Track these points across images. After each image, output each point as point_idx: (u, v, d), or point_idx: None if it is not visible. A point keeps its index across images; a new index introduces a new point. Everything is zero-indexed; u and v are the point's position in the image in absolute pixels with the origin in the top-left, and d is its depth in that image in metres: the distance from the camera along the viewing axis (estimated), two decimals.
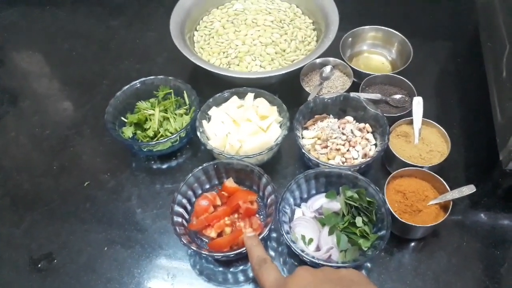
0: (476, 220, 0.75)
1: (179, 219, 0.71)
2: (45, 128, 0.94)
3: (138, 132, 0.85)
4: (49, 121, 0.96)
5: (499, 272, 0.70)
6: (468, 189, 0.70)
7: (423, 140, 0.79)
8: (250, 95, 0.84)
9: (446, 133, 0.78)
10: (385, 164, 0.81)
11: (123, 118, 0.86)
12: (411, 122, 0.81)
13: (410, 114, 0.81)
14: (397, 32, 0.95)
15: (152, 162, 0.86)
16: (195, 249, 0.66)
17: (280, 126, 0.82)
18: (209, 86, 0.92)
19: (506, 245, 0.72)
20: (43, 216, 0.80)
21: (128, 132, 0.84)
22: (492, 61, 0.83)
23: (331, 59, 0.91)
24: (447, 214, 0.68)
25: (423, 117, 0.80)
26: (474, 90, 0.93)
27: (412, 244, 0.73)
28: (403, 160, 0.74)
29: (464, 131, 0.87)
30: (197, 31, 1.03)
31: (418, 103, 0.81)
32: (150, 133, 0.83)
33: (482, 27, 0.92)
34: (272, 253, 0.74)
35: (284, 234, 0.66)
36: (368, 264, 0.71)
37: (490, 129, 0.79)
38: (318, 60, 0.90)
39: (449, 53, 1.03)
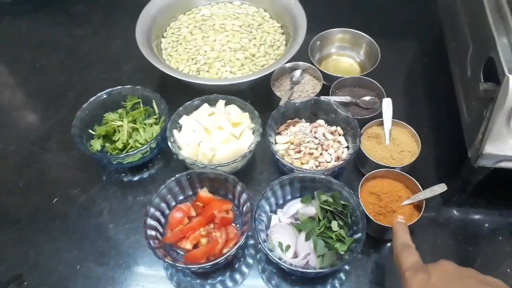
0: (449, 217, 0.77)
1: (153, 233, 0.69)
2: (9, 143, 0.90)
3: (107, 144, 0.82)
4: (13, 136, 0.92)
5: (472, 267, 0.71)
6: (440, 188, 0.72)
7: (394, 141, 0.80)
8: (221, 102, 0.83)
9: (416, 133, 0.80)
10: (358, 166, 0.82)
11: (90, 131, 0.84)
12: (381, 124, 0.82)
13: (380, 115, 0.82)
14: (364, 34, 0.96)
15: (123, 174, 0.84)
16: (170, 262, 0.65)
17: (253, 133, 0.81)
18: (179, 93, 0.90)
19: (478, 241, 0.74)
20: (11, 236, 0.77)
21: (96, 145, 0.81)
22: (457, 60, 0.85)
23: (300, 63, 0.91)
24: (421, 213, 0.69)
25: (393, 118, 0.81)
26: (441, 89, 0.95)
27: (388, 244, 0.74)
28: (375, 161, 0.75)
29: (433, 130, 0.89)
30: (164, 38, 1.01)
31: (387, 105, 0.82)
32: (119, 145, 0.81)
33: (446, 27, 0.94)
34: (250, 260, 0.74)
35: (261, 242, 0.65)
36: (346, 267, 0.71)
37: (458, 127, 0.80)
38: (288, 65, 0.90)
39: (416, 52, 1.05)
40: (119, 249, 0.75)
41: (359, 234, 0.66)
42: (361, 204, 0.69)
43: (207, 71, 0.93)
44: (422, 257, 0.71)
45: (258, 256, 0.74)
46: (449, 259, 0.71)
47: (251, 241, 0.75)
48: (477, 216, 0.77)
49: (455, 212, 0.78)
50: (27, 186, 0.83)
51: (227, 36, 0.99)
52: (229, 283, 0.71)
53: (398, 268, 0.57)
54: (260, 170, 0.84)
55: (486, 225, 0.76)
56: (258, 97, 0.90)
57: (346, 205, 0.69)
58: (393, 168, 0.75)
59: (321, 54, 0.99)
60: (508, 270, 0.70)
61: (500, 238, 0.74)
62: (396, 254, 0.58)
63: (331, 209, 0.68)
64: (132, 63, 1.04)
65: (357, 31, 0.96)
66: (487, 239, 0.74)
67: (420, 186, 0.72)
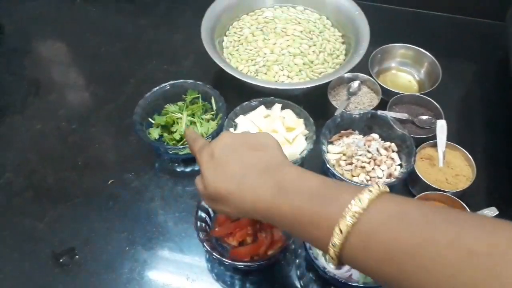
0: None
1: (202, 225, 0.72)
2: (71, 122, 0.95)
3: (165, 134, 0.85)
4: (75, 116, 0.96)
5: None
6: (490, 212, 0.71)
7: (448, 164, 0.79)
8: (278, 106, 0.85)
9: (471, 157, 0.78)
10: (408, 185, 0.81)
11: (150, 119, 0.87)
12: (434, 145, 0.81)
13: (435, 137, 0.81)
14: (427, 53, 0.95)
15: (176, 164, 0.87)
16: (218, 256, 0.67)
17: (306, 139, 0.82)
18: (235, 92, 0.93)
19: None
20: (66, 212, 0.81)
21: (154, 133, 0.84)
22: None
23: (359, 74, 0.92)
24: None
25: (447, 141, 0.80)
26: (500, 117, 0.92)
27: None
28: (429, 183, 0.75)
29: (488, 156, 0.87)
30: (226, 36, 1.03)
31: (441, 126, 0.81)
32: (177, 136, 0.84)
33: None
34: (288, 264, 0.75)
35: (307, 249, 0.66)
36: None
37: None
38: (346, 75, 0.91)
39: (477, 77, 1.03)
40: (167, 236, 0.77)
41: None
42: None
43: (265, 73, 0.95)
44: None
45: (297, 261, 0.75)
46: None
47: (292, 246, 0.76)
48: None
49: None
50: (84, 165, 0.87)
51: (288, 40, 1.00)
52: (267, 284, 0.73)
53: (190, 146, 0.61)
54: None
55: None
56: (312, 104, 0.91)
57: None
58: (446, 191, 0.74)
59: (380, 67, 0.99)
60: None
61: None
62: (191, 149, 0.60)
63: None
64: (191, 58, 1.07)
65: (420, 49, 0.96)
66: None
67: (469, 210, 0.71)
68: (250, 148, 0.52)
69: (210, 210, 0.75)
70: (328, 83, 0.90)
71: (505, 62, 0.96)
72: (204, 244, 0.67)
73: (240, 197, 0.50)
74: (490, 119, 0.93)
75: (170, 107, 0.87)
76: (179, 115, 0.85)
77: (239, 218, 0.75)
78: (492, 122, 0.93)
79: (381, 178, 0.77)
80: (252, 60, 0.97)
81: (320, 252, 0.70)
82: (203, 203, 0.72)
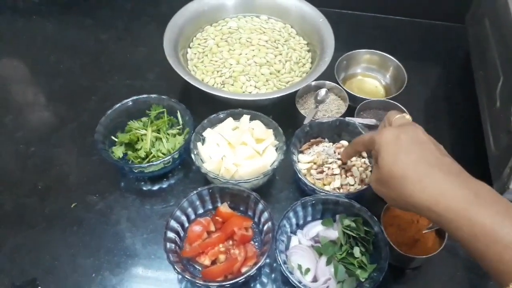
0: None
1: (172, 246, 0.69)
2: (29, 145, 0.90)
3: (129, 152, 0.82)
4: (35, 137, 0.92)
5: None
6: None
7: None
8: (246, 117, 0.83)
9: None
10: None
11: (113, 137, 0.83)
12: None
13: None
14: (392, 57, 0.95)
15: (142, 183, 0.84)
16: (189, 278, 0.64)
17: (276, 150, 0.80)
18: (201, 104, 0.90)
19: None
20: (26, 239, 0.76)
21: (118, 152, 0.81)
22: (485, 90, 0.85)
23: (326, 82, 0.91)
24: (445, 241, 0.68)
25: None
26: (465, 117, 0.94)
27: (407, 272, 0.73)
28: None
29: (456, 156, 0.87)
30: (190, 48, 1.01)
31: None
32: (142, 153, 0.80)
33: (474, 55, 0.94)
34: (264, 279, 0.73)
35: (282, 264, 0.64)
36: None
37: (482, 158, 0.80)
38: (313, 83, 0.90)
39: (440, 78, 1.04)
40: (135, 259, 0.74)
41: (381, 262, 0.65)
42: (384, 231, 0.68)
43: (232, 85, 0.93)
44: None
45: (273, 275, 0.73)
46: None
47: (267, 260, 0.74)
48: None
49: None
50: (45, 189, 0.83)
51: (253, 50, 0.99)
52: None
53: (357, 146, 0.67)
54: (280, 188, 0.83)
55: None
56: (281, 114, 0.89)
57: (368, 232, 0.68)
58: None
59: (346, 74, 0.99)
60: None
61: None
62: (357, 141, 0.67)
63: (354, 235, 0.67)
64: (155, 71, 1.04)
65: (385, 54, 0.96)
66: None
67: None
68: (437, 148, 0.54)
69: (179, 229, 0.72)
70: (295, 92, 0.89)
71: (467, 62, 0.98)
72: (175, 266, 0.64)
73: (420, 187, 0.50)
74: (456, 119, 0.94)
75: (134, 124, 0.84)
76: (143, 131, 0.82)
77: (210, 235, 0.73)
78: (458, 122, 0.94)
79: (352, 185, 0.77)
80: (218, 72, 0.95)
81: (295, 266, 0.68)
82: (171, 222, 0.70)
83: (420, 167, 0.51)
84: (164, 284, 0.72)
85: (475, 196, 0.47)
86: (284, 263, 0.66)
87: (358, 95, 0.88)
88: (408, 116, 0.62)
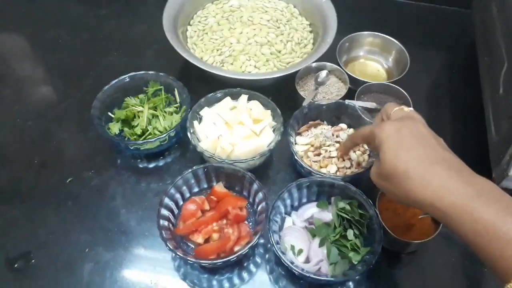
0: None
1: (166, 223, 0.69)
2: (26, 119, 0.90)
3: (126, 129, 0.81)
4: (31, 112, 0.91)
5: None
6: None
7: None
8: (244, 97, 0.82)
9: None
10: None
11: (110, 114, 0.83)
12: None
13: None
14: (395, 41, 0.93)
15: (139, 160, 0.83)
16: (181, 255, 0.64)
17: (273, 131, 0.80)
18: (200, 83, 0.89)
19: None
20: (21, 213, 0.76)
21: (114, 128, 0.80)
22: (489, 76, 0.83)
23: (327, 64, 0.89)
24: (440, 227, 0.67)
25: None
26: (468, 103, 0.92)
27: (402, 256, 0.72)
28: None
29: (456, 144, 0.86)
30: (190, 25, 1.00)
31: None
32: (138, 130, 0.80)
33: (479, 41, 0.92)
34: (258, 259, 0.73)
35: (274, 244, 0.64)
36: (357, 278, 0.70)
37: (483, 144, 0.78)
38: (314, 64, 0.88)
39: (444, 64, 1.02)
40: (129, 236, 0.74)
41: (374, 246, 0.64)
42: (379, 215, 0.67)
43: (231, 64, 0.92)
44: (433, 276, 0.71)
45: (267, 256, 0.73)
46: (462, 281, 0.70)
47: (262, 240, 0.74)
48: None
49: None
50: (41, 164, 0.83)
51: (254, 29, 0.97)
52: (236, 280, 0.70)
53: (356, 139, 0.67)
54: (277, 169, 0.83)
55: None
56: (281, 94, 0.88)
57: (363, 215, 0.68)
58: None
59: (348, 56, 0.97)
60: None
61: None
62: (356, 135, 0.67)
63: (348, 217, 0.67)
64: (154, 49, 1.03)
65: (388, 37, 0.94)
66: None
67: None
68: (438, 143, 0.54)
69: (174, 207, 0.72)
70: (295, 73, 0.87)
71: (471, 48, 0.96)
72: (167, 243, 0.64)
73: (423, 183, 0.49)
74: (458, 106, 0.93)
75: (131, 100, 0.83)
76: (140, 108, 0.81)
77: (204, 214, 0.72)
78: (460, 109, 0.93)
79: (349, 168, 0.76)
80: (217, 50, 0.94)
81: (288, 247, 0.68)
82: (166, 200, 0.69)
83: (423, 163, 0.51)
84: (157, 261, 0.72)
85: (479, 193, 0.47)
86: (277, 243, 0.65)
87: (359, 78, 0.87)
88: (406, 109, 0.61)
